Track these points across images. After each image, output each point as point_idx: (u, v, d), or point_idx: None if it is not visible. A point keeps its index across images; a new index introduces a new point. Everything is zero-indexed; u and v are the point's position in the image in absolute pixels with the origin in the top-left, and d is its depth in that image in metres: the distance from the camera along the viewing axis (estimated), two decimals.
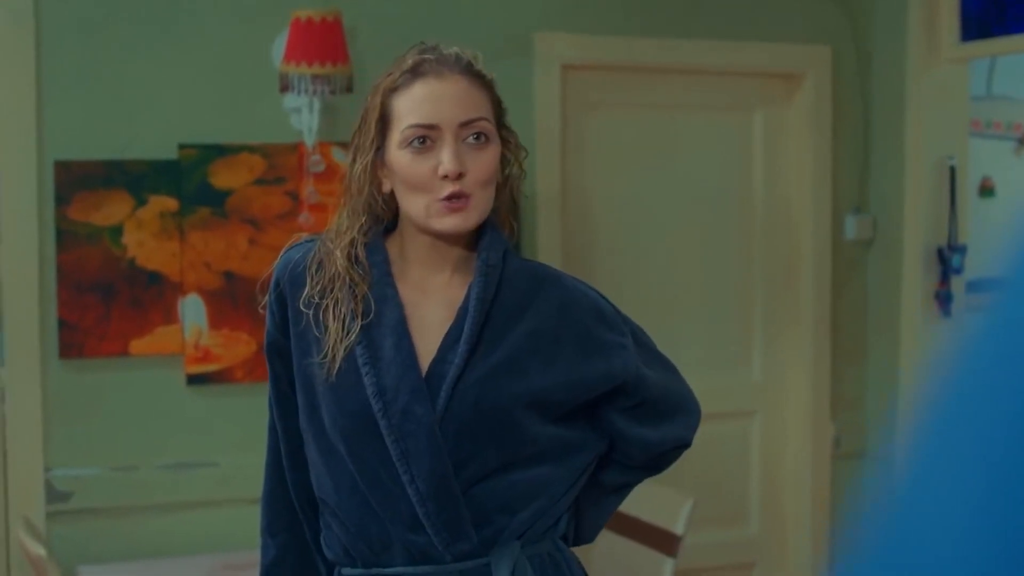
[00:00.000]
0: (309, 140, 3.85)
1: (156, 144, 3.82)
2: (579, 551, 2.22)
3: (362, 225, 2.02)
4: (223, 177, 3.87)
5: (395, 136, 1.99)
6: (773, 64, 4.52)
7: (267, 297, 2.09)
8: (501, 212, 2.08)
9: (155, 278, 3.82)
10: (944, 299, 4.43)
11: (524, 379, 2.01)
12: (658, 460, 2.22)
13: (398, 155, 1.99)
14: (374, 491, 1.99)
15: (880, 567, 0.59)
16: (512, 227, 2.11)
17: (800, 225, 4.59)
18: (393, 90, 2.00)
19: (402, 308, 2.01)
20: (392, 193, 2.03)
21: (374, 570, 2.03)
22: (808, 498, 4.61)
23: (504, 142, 2.05)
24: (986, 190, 5.68)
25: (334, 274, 2.00)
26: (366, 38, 3.94)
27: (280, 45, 3.83)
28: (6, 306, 3.75)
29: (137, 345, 3.81)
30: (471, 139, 1.98)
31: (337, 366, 1.97)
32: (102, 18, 3.78)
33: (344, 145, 3.35)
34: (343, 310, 1.98)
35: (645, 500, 3.10)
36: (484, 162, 1.99)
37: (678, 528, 3.36)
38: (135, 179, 3.80)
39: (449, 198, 1.95)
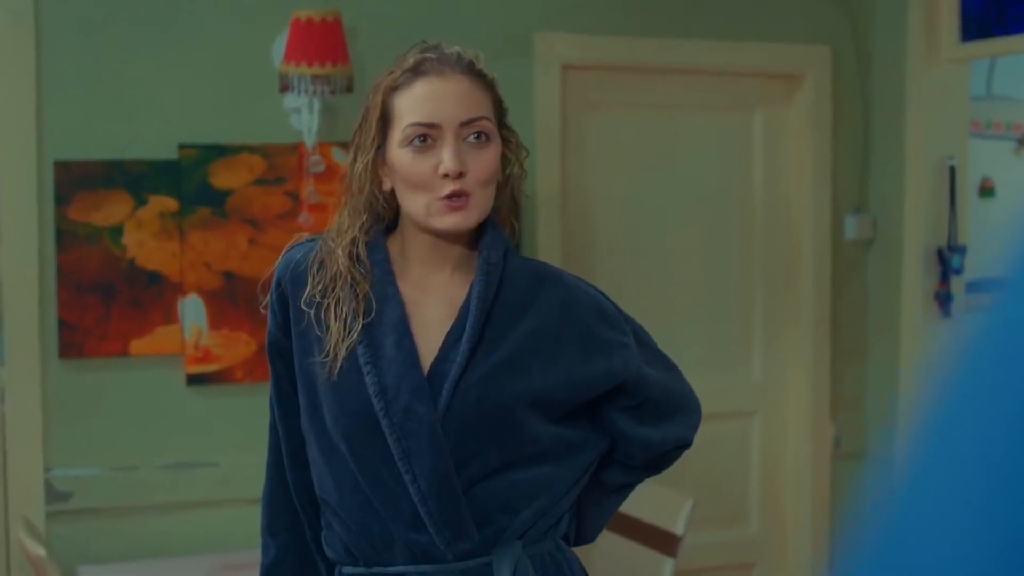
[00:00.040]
0: (309, 140, 3.85)
1: (156, 144, 3.82)
2: (579, 551, 2.22)
3: (363, 224, 2.02)
4: (223, 177, 3.87)
5: (396, 135, 1.99)
6: (773, 64, 4.52)
7: (268, 297, 2.09)
8: (502, 212, 2.08)
9: (155, 278, 3.82)
10: (944, 299, 4.43)
11: (526, 378, 2.01)
12: (659, 460, 2.22)
13: (399, 153, 1.99)
14: (376, 490, 1.99)
15: (881, 567, 0.59)
16: (513, 226, 2.11)
17: (800, 225, 4.59)
18: (394, 89, 2.00)
19: (403, 307, 2.01)
20: (393, 192, 2.03)
21: (375, 569, 2.03)
22: (808, 498, 4.61)
23: (505, 142, 2.05)
24: (986, 190, 5.68)
25: (335, 273, 2.00)
26: (366, 38, 3.94)
27: (280, 45, 3.83)
28: (6, 306, 3.75)
29: (137, 345, 3.81)
30: (472, 138, 1.98)
31: (339, 365, 1.97)
32: (102, 18, 3.78)
33: (344, 145, 3.35)
34: (344, 309, 1.98)
35: (645, 500, 3.10)
36: (485, 161, 1.99)
37: (678, 528, 3.36)
38: (135, 179, 3.80)
39: (449, 197, 1.96)
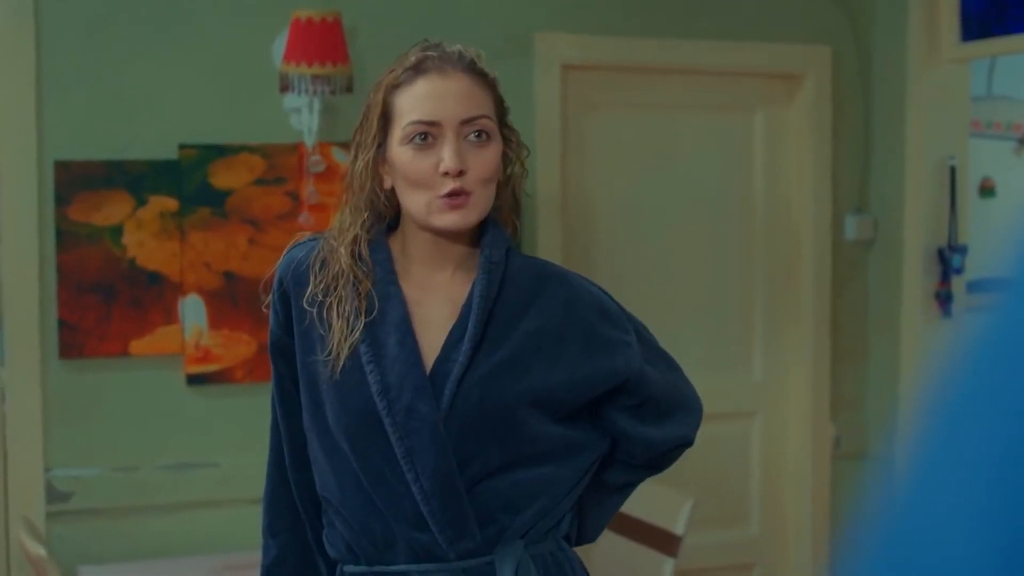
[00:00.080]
0: (309, 140, 3.85)
1: (156, 144, 3.82)
2: (579, 551, 2.22)
3: (364, 221, 2.02)
4: (223, 177, 3.87)
5: (397, 132, 1.99)
6: (773, 64, 4.52)
7: (270, 296, 2.09)
8: (503, 211, 2.08)
9: (155, 278, 3.82)
10: (944, 299, 4.43)
11: (528, 378, 2.00)
12: (661, 459, 2.22)
13: (399, 151, 1.99)
14: (378, 489, 1.99)
15: (884, 568, 0.59)
16: (515, 226, 2.11)
17: (800, 225, 4.59)
18: (396, 87, 2.00)
19: (405, 306, 2.01)
20: (393, 190, 2.03)
21: (377, 567, 2.03)
22: (808, 498, 4.61)
23: (506, 141, 2.05)
24: (986, 190, 5.68)
25: (338, 272, 2.00)
26: (366, 38, 3.94)
27: (280, 45, 3.83)
28: (6, 306, 3.75)
29: (137, 345, 3.81)
30: (472, 137, 1.98)
31: (341, 364, 1.97)
32: (102, 18, 3.78)
33: (344, 145, 3.35)
34: (347, 308, 1.98)
35: (646, 500, 3.10)
36: (485, 160, 1.99)
37: (678, 528, 3.36)
38: (135, 179, 3.80)
39: (450, 195, 1.96)
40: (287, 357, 2.08)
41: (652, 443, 2.16)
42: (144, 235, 3.80)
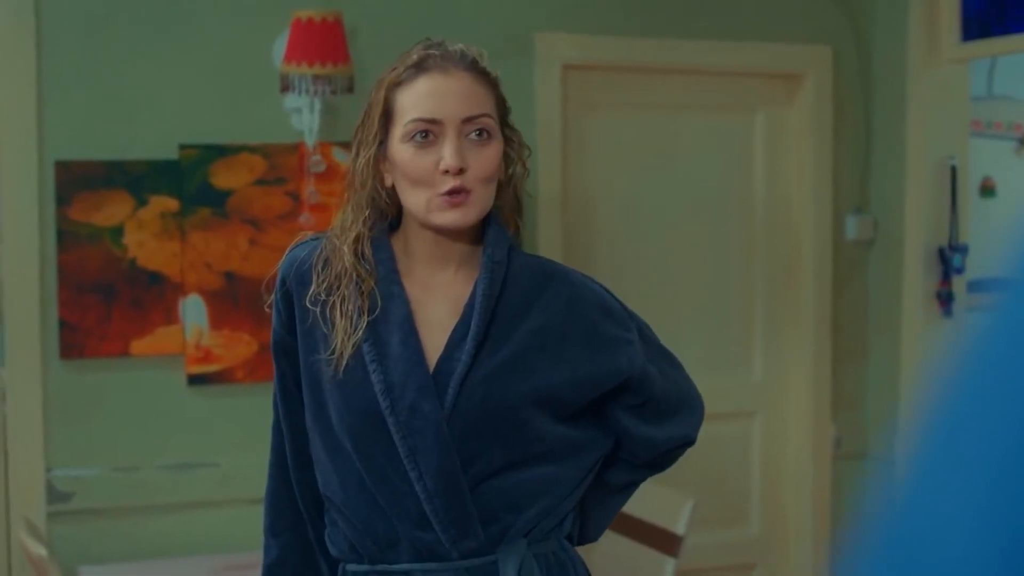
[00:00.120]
0: (310, 140, 3.85)
1: (157, 144, 3.82)
2: (579, 551, 2.22)
3: (366, 219, 2.02)
4: (224, 177, 3.87)
5: (398, 130, 1.99)
6: (774, 64, 4.52)
7: (273, 296, 2.09)
8: (505, 211, 2.08)
9: (156, 278, 3.82)
10: (945, 299, 4.43)
11: (531, 377, 2.00)
12: (663, 458, 2.21)
13: (400, 149, 1.99)
14: (381, 488, 1.99)
15: (884, 568, 0.59)
16: (517, 226, 2.11)
17: (801, 225, 4.59)
18: (397, 84, 2.00)
19: (408, 305, 2.01)
20: (394, 188, 2.03)
21: (380, 566, 2.03)
22: (809, 499, 4.61)
23: (507, 141, 2.05)
24: (987, 190, 5.68)
25: (341, 271, 2.00)
26: (367, 38, 3.94)
27: (281, 45, 3.83)
28: (7, 306, 3.75)
29: (138, 345, 3.81)
30: (473, 135, 1.98)
31: (344, 363, 1.97)
32: (103, 18, 3.78)
33: (345, 145, 3.35)
34: (350, 307, 1.98)
35: (646, 500, 3.10)
36: (486, 159, 1.99)
37: (679, 528, 3.36)
38: (136, 179, 3.80)
39: (449, 193, 1.95)
40: (290, 357, 2.08)
41: (655, 443, 2.16)
42: (145, 235, 3.80)
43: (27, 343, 3.73)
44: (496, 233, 2.03)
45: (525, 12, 4.16)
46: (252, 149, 3.90)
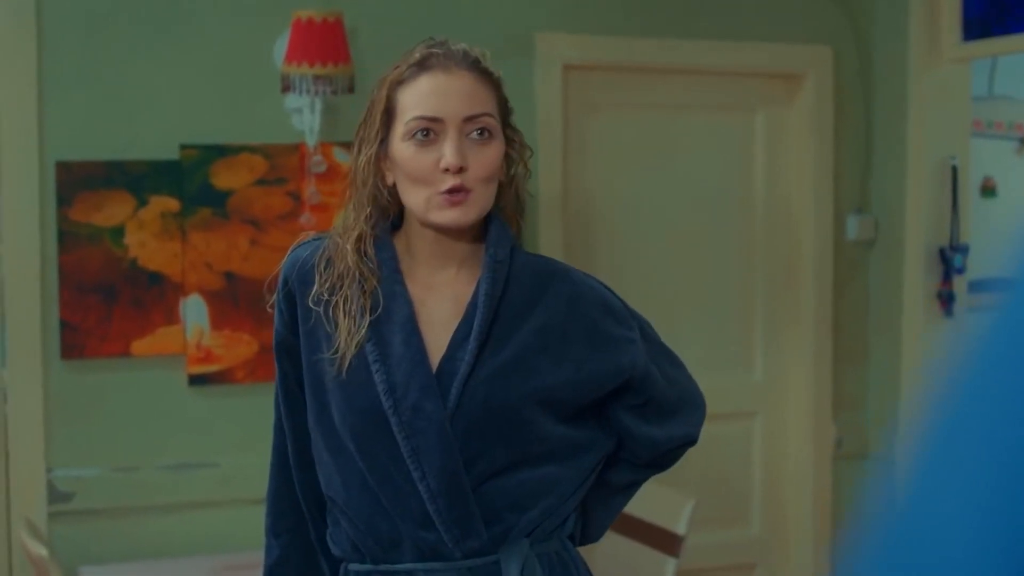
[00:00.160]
0: (310, 140, 3.85)
1: (157, 144, 3.82)
2: (580, 551, 2.22)
3: (368, 217, 2.02)
4: (224, 177, 3.87)
5: (399, 128, 1.99)
6: (774, 64, 4.52)
7: (275, 296, 2.09)
8: (507, 211, 2.08)
9: (156, 279, 3.82)
10: (946, 299, 4.43)
11: (533, 377, 2.00)
12: (664, 458, 2.21)
13: (401, 147, 1.99)
14: (384, 488, 1.99)
15: (885, 568, 0.59)
16: (519, 226, 2.11)
17: (801, 225, 4.59)
18: (399, 83, 2.00)
19: (411, 304, 2.01)
20: (395, 186, 2.03)
21: (383, 566, 2.03)
22: (809, 499, 4.61)
23: (509, 141, 2.05)
24: (988, 190, 5.68)
25: (343, 270, 2.00)
26: (367, 38, 3.94)
27: (281, 45, 3.83)
28: (8, 307, 3.75)
29: (139, 346, 3.81)
30: (475, 134, 1.98)
31: (347, 363, 1.97)
32: (103, 18, 3.78)
33: (346, 145, 3.35)
34: (353, 307, 1.98)
35: (647, 500, 3.10)
36: (487, 158, 1.98)
37: (680, 528, 3.35)
38: (136, 179, 3.80)
39: (450, 191, 1.95)
40: (292, 356, 2.08)
41: (657, 443, 2.16)
42: (145, 235, 3.80)
43: (28, 343, 3.73)
44: (498, 232, 2.03)
45: (526, 12, 4.16)
46: (253, 149, 3.90)
